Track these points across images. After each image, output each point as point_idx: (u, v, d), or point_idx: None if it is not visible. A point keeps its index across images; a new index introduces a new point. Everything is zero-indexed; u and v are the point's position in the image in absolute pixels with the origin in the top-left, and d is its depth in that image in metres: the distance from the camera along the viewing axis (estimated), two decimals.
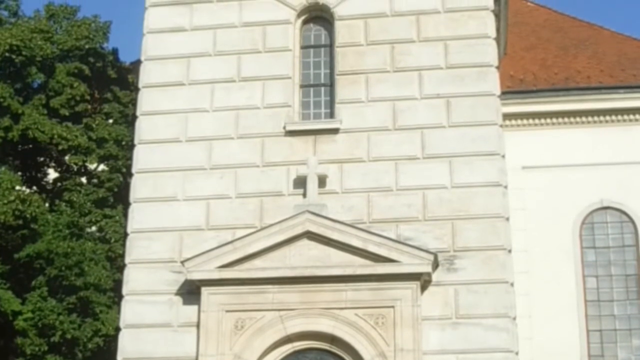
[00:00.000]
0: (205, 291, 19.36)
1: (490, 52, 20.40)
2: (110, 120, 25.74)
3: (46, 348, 22.09)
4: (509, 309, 18.78)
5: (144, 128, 20.94)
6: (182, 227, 20.07)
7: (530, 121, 25.66)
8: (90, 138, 24.95)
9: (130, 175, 21.20)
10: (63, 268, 22.44)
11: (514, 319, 18.88)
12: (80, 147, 24.64)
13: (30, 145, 24.92)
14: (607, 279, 24.49)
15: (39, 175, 25.96)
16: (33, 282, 22.75)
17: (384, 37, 20.69)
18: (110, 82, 26.50)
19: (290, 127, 20.38)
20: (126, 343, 19.66)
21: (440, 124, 19.95)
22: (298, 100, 20.90)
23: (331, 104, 20.74)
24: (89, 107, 26.14)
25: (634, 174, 24.63)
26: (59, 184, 25.65)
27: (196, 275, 19.36)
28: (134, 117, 21.61)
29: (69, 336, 22.08)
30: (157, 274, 19.86)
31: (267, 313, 19.18)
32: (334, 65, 20.84)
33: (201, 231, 19.99)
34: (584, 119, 25.53)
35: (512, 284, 19.07)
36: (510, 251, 19.29)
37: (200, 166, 20.41)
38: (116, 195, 24.73)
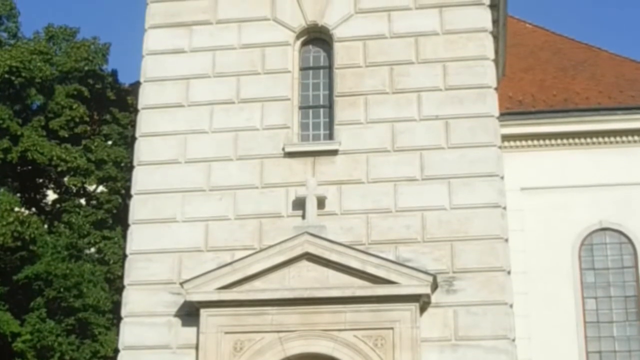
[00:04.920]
0: (204, 313, 19.29)
1: (489, 74, 20.40)
2: (110, 142, 25.81)
3: None
4: (508, 330, 18.71)
5: (143, 149, 20.93)
6: (181, 248, 20.01)
7: (529, 142, 25.71)
8: (89, 159, 25.01)
9: (129, 196, 21.15)
10: (62, 289, 22.43)
11: (514, 340, 18.81)
12: (79, 169, 24.70)
13: (30, 167, 24.95)
14: (607, 301, 24.48)
15: (37, 196, 25.98)
16: (32, 304, 22.73)
17: (383, 59, 20.71)
18: (109, 103, 26.59)
19: (289, 149, 20.37)
20: None
21: (439, 145, 19.95)
22: (297, 122, 20.89)
23: (330, 125, 20.73)
24: (88, 128, 26.21)
25: (632, 195, 24.66)
26: (58, 205, 25.66)
27: (195, 297, 19.29)
28: (133, 139, 21.59)
29: (67, 357, 22.05)
30: (156, 295, 19.78)
31: (266, 335, 19.09)
32: (333, 87, 20.84)
33: (200, 252, 19.95)
34: (582, 140, 25.56)
35: (511, 306, 19.02)
36: (509, 272, 19.24)
37: (199, 187, 20.38)
38: (115, 217, 24.75)
